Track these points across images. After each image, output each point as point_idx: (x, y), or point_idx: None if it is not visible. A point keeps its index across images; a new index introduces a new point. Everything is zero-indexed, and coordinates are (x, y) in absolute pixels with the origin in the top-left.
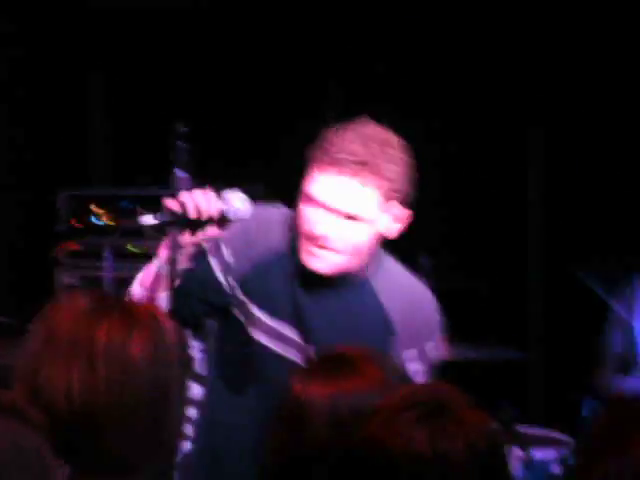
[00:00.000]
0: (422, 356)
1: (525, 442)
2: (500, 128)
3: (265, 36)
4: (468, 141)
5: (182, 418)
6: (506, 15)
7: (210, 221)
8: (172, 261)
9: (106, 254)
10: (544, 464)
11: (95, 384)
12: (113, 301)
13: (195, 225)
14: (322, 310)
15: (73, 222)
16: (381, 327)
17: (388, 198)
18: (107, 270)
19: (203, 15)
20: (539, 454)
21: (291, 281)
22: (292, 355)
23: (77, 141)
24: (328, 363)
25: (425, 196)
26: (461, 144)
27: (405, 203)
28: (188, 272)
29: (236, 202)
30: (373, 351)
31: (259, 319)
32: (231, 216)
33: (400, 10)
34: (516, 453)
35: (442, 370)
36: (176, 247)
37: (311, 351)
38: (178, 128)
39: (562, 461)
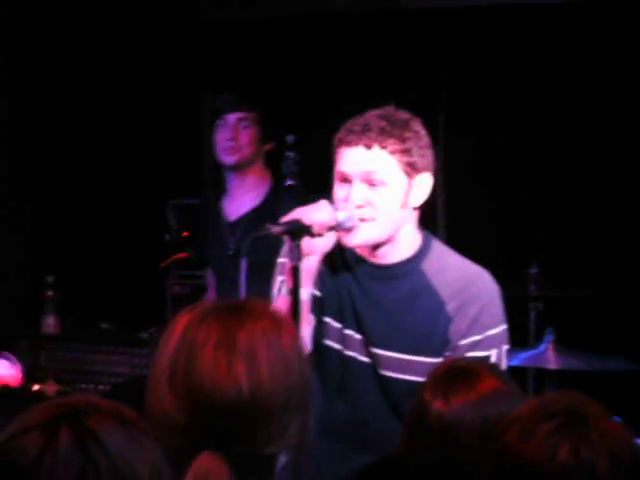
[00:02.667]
0: (485, 344)
1: None
2: (608, 139)
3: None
4: (576, 149)
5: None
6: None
7: (327, 230)
8: (295, 270)
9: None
10: None
11: (261, 375)
12: (251, 303)
13: (313, 234)
14: (376, 304)
15: (183, 232)
16: (436, 314)
17: (409, 165)
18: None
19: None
20: None
21: (345, 279)
22: (359, 355)
23: (189, 151)
24: (452, 375)
25: (533, 204)
26: (570, 153)
27: (427, 172)
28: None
29: (349, 211)
30: (486, 363)
31: (329, 324)
32: (346, 225)
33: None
34: None
35: (550, 380)
36: (298, 257)
37: (373, 349)
38: (288, 139)
39: None
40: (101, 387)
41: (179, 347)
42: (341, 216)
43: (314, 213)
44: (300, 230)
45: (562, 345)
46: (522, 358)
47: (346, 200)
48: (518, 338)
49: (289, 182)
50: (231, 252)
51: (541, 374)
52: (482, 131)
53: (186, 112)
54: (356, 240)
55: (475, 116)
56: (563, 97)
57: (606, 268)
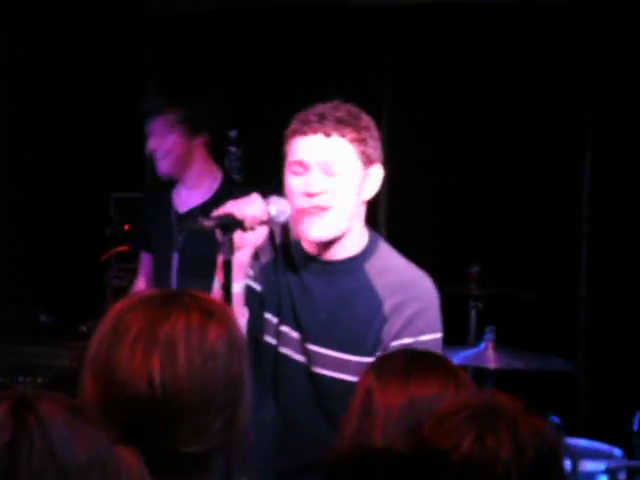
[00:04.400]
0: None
1: (573, 454)
2: (553, 139)
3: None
4: (520, 149)
5: (251, 410)
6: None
7: (259, 224)
8: (227, 264)
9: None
10: (593, 476)
11: (177, 371)
12: (185, 294)
13: (245, 228)
14: (314, 301)
15: (125, 225)
16: (373, 314)
17: (365, 155)
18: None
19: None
20: (588, 466)
21: (286, 274)
22: (293, 352)
23: (131, 144)
24: (401, 366)
25: (475, 204)
26: (513, 152)
27: (379, 164)
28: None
29: (281, 205)
30: (441, 355)
31: (267, 320)
32: (280, 219)
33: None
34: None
35: (489, 379)
36: (230, 251)
37: (308, 346)
38: (230, 134)
39: (610, 473)
40: (40, 380)
41: (105, 334)
42: (273, 210)
43: (246, 207)
44: (232, 224)
45: (501, 344)
46: (461, 357)
47: (305, 189)
48: (458, 337)
49: (232, 177)
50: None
51: (480, 373)
52: (424, 131)
53: (129, 104)
54: (313, 234)
55: (417, 118)
56: (508, 92)
57: (545, 268)
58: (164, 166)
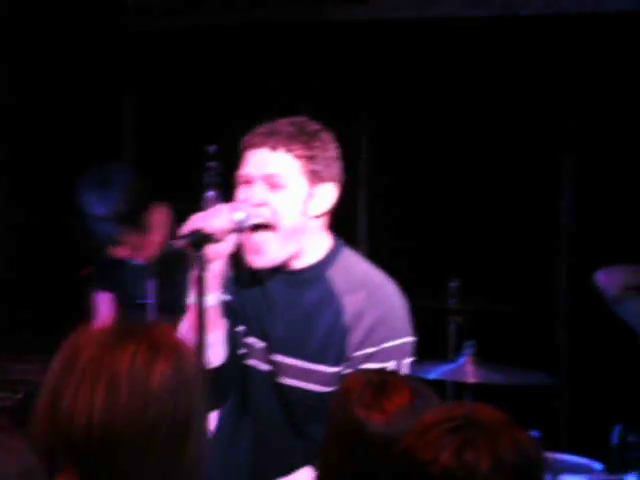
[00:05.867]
0: (380, 356)
1: (554, 469)
2: (531, 152)
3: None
4: (499, 164)
5: (204, 450)
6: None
7: (228, 234)
8: (200, 279)
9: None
10: None
11: (116, 409)
12: (139, 327)
13: (215, 240)
14: (279, 310)
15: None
16: (335, 323)
17: (313, 173)
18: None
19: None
20: None
21: (251, 285)
22: (259, 363)
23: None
24: (377, 388)
25: (454, 218)
26: (492, 167)
27: (332, 183)
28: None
29: (245, 210)
30: (407, 377)
31: (237, 332)
32: (246, 224)
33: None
34: None
35: (469, 393)
36: (203, 265)
37: (274, 356)
38: (208, 149)
39: None
40: (19, 395)
41: (57, 366)
42: (239, 216)
43: (213, 220)
44: (202, 239)
45: (481, 359)
46: (441, 371)
47: (246, 201)
48: (438, 351)
49: (210, 192)
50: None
51: (460, 387)
52: (403, 145)
53: (106, 120)
54: (262, 262)
55: (399, 132)
56: (487, 108)
57: (525, 282)
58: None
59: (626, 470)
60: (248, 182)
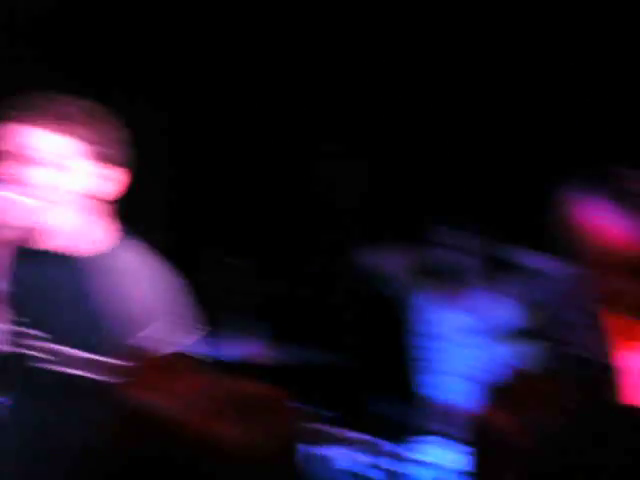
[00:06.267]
0: (151, 339)
1: (325, 441)
2: None
3: None
4: None
5: None
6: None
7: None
8: None
9: None
10: (331, 460)
11: None
12: None
13: None
14: (45, 294)
15: None
16: (101, 309)
17: (98, 155)
18: None
19: None
20: (334, 452)
21: (23, 269)
22: (26, 350)
23: None
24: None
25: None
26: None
27: (115, 164)
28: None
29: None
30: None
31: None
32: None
33: None
34: (313, 451)
35: (259, 372)
36: None
37: (40, 343)
38: None
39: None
40: None
41: None
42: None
43: None
44: None
45: (273, 340)
46: (232, 352)
47: (26, 181)
48: (229, 333)
49: None
50: None
51: (253, 369)
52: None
53: None
54: (43, 244)
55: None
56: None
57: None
58: None
59: (384, 437)
60: (23, 160)
